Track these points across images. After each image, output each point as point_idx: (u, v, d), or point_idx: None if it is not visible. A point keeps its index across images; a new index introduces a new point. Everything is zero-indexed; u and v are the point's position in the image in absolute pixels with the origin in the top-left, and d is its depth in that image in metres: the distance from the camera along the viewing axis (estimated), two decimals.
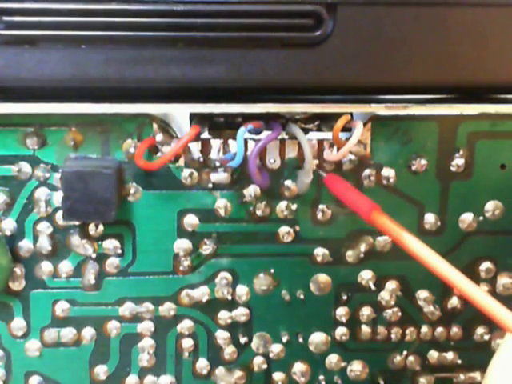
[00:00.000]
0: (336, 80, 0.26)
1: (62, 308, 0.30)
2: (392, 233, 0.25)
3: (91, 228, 0.29)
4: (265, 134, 0.27)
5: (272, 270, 0.30)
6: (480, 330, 0.31)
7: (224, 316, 0.30)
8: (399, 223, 0.26)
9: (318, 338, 0.31)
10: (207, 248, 0.29)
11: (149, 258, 0.30)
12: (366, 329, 0.31)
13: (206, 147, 0.29)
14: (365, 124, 0.28)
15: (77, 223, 0.29)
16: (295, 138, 0.28)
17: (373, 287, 0.30)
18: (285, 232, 0.30)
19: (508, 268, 0.31)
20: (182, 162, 0.29)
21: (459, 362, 0.32)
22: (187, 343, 0.31)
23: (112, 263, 0.29)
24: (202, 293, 0.30)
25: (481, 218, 0.30)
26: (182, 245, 0.29)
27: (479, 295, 0.22)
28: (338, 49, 0.25)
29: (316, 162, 0.29)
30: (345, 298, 0.31)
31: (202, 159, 0.29)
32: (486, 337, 0.31)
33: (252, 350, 0.31)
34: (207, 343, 0.31)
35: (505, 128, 0.29)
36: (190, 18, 0.24)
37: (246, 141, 0.28)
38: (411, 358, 0.32)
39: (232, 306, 0.30)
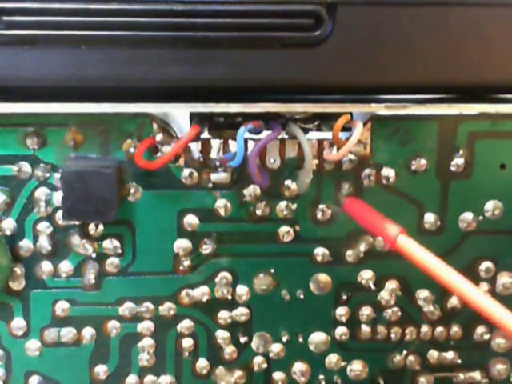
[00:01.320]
0: (336, 80, 0.26)
1: (62, 308, 0.30)
2: (421, 261, 0.24)
3: (91, 228, 0.29)
4: (265, 133, 0.27)
5: (272, 270, 0.30)
6: (480, 330, 0.31)
7: (224, 316, 0.30)
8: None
9: (317, 338, 0.31)
10: (207, 248, 0.29)
11: (149, 258, 0.30)
12: (365, 328, 0.31)
13: (205, 147, 0.29)
14: (365, 124, 0.28)
15: (77, 223, 0.29)
16: (295, 137, 0.28)
17: (373, 287, 0.30)
18: (285, 232, 0.30)
19: (508, 268, 0.31)
20: (182, 161, 0.29)
21: (459, 361, 0.32)
22: (187, 343, 0.31)
23: (112, 263, 0.29)
24: (201, 293, 0.30)
25: (481, 217, 0.30)
26: (182, 245, 0.29)
27: None
28: (338, 49, 0.25)
29: (316, 161, 0.29)
30: (345, 297, 0.31)
31: (201, 159, 0.29)
32: (486, 336, 0.31)
33: (252, 350, 0.31)
34: (207, 343, 0.31)
35: (505, 128, 0.29)
36: (189, 18, 0.24)
37: (246, 141, 0.28)
38: (411, 358, 0.32)
39: (232, 305, 0.30)
